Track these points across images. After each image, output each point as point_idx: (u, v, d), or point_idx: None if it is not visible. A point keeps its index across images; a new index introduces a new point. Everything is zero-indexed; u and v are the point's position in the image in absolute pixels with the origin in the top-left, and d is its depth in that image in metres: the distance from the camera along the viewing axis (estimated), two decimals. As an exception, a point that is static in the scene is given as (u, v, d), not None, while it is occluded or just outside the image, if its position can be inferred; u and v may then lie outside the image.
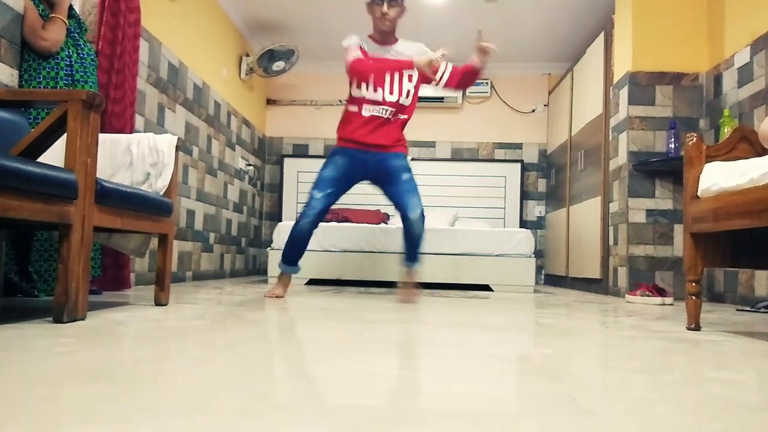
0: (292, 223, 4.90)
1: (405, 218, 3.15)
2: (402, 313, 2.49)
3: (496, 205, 6.48)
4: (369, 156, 3.17)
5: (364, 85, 3.12)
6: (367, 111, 3.14)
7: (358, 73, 3.06)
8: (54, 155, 2.08)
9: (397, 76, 3.15)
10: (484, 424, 0.83)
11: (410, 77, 3.18)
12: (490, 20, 5.43)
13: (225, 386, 1.00)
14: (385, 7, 3.12)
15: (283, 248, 3.26)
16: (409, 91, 3.19)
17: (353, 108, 3.19)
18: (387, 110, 3.15)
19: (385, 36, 3.23)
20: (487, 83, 6.51)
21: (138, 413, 0.82)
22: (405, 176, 3.17)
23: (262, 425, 0.79)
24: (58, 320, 1.73)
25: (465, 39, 5.86)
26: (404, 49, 3.23)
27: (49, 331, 1.58)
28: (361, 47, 3.13)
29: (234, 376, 1.09)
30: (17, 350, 1.27)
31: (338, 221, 5.35)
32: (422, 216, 3.16)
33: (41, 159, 1.95)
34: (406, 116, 3.23)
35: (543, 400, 0.98)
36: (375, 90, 3.13)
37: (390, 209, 6.09)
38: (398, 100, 3.15)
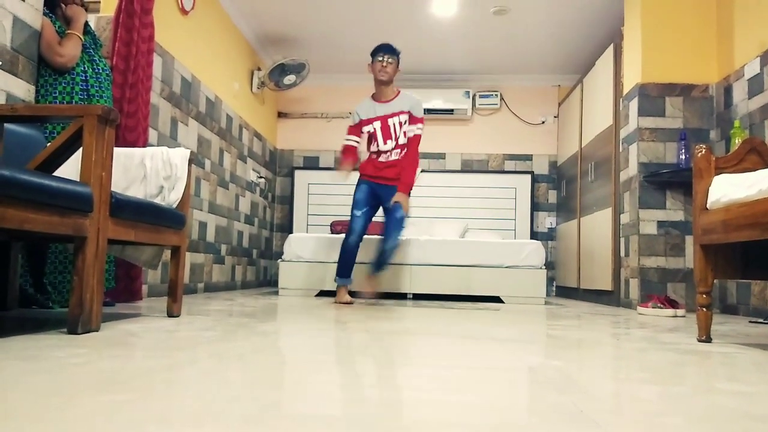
0: (303, 234, 4.96)
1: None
2: (411, 324, 2.50)
3: (507, 217, 6.48)
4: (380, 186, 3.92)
5: (374, 143, 3.90)
6: (384, 157, 3.90)
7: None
8: (70, 169, 2.12)
9: (394, 127, 3.86)
10: (491, 434, 0.83)
11: (401, 124, 3.86)
12: (499, 33, 5.46)
13: (236, 396, 1.01)
14: (384, 62, 3.83)
15: (336, 264, 3.90)
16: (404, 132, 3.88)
17: (373, 156, 3.94)
18: (396, 152, 3.88)
19: (383, 90, 3.90)
20: (496, 95, 6.54)
21: (150, 422, 0.84)
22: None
23: (272, 434, 0.80)
24: (72, 331, 1.75)
25: (474, 51, 5.91)
26: (400, 105, 3.87)
27: (64, 341, 1.60)
28: (358, 124, 3.91)
29: (245, 386, 1.10)
30: (33, 360, 1.30)
31: (348, 233, 5.37)
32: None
33: (57, 173, 1.98)
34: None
35: (550, 411, 0.99)
36: (385, 143, 3.86)
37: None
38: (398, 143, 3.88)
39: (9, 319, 2.19)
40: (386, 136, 3.84)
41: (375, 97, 3.94)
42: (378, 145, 3.86)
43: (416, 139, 3.83)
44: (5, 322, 2.07)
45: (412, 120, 3.82)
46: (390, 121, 3.83)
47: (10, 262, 2.41)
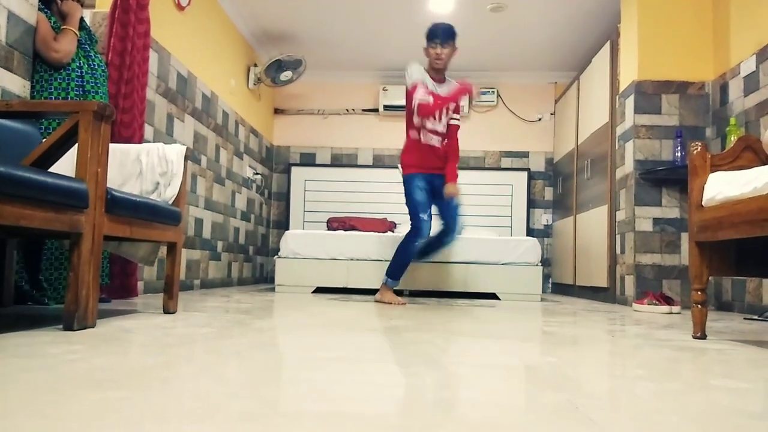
0: (300, 231, 4.95)
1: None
2: (408, 321, 2.50)
3: (503, 214, 6.49)
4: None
5: (429, 119, 3.65)
6: (427, 139, 3.68)
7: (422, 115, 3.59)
8: (65, 165, 2.12)
9: (445, 112, 3.68)
10: (487, 431, 0.84)
11: (448, 111, 3.69)
12: (496, 29, 5.46)
13: (232, 393, 1.02)
14: (439, 49, 3.61)
15: (391, 264, 3.72)
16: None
17: (414, 135, 3.70)
18: (439, 140, 3.70)
19: (437, 74, 3.69)
20: (493, 92, 6.54)
21: (146, 419, 0.84)
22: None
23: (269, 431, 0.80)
24: (68, 328, 1.75)
25: (471, 48, 5.90)
26: (449, 89, 3.69)
27: (59, 338, 1.60)
28: (426, 85, 3.59)
29: (241, 383, 1.10)
30: (28, 357, 1.30)
31: (345, 229, 5.38)
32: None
33: (53, 169, 1.98)
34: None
35: (546, 408, 0.99)
36: (436, 120, 3.66)
37: (396, 218, 6.11)
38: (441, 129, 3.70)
39: (4, 315, 2.18)
40: (438, 117, 3.65)
41: (431, 74, 3.68)
42: (429, 123, 3.62)
43: (457, 128, 3.73)
44: (1, 319, 2.06)
45: (456, 109, 3.71)
46: (444, 105, 3.63)
47: (6, 259, 2.40)
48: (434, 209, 3.74)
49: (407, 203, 3.68)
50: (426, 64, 3.70)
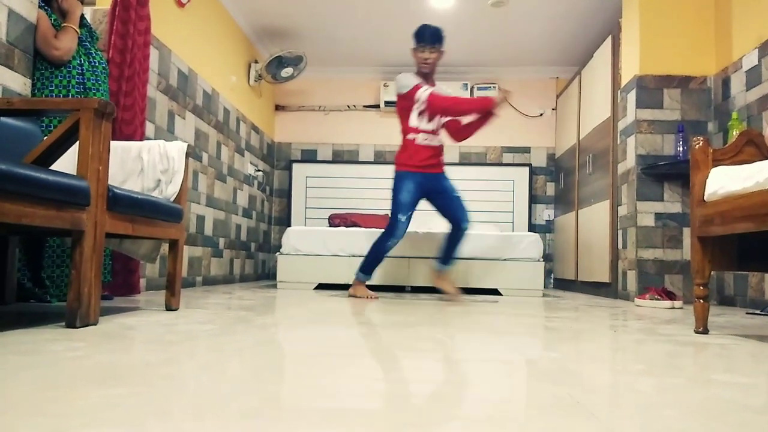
0: (301, 227, 4.96)
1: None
2: (410, 317, 2.51)
3: (505, 209, 6.48)
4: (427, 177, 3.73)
5: (421, 118, 3.67)
6: (422, 140, 3.68)
7: (441, 109, 3.59)
8: (66, 163, 2.12)
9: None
10: (488, 426, 0.84)
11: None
12: (496, 24, 5.45)
13: (235, 389, 1.02)
14: (426, 53, 3.63)
15: (364, 260, 3.75)
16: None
17: (411, 136, 3.69)
18: (434, 138, 3.72)
19: (425, 78, 3.70)
20: (495, 87, 6.52)
21: (149, 416, 0.84)
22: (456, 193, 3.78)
23: (271, 428, 0.80)
24: (70, 325, 1.76)
25: (471, 43, 5.89)
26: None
27: (62, 335, 1.60)
28: (416, 88, 3.61)
29: (243, 380, 1.11)
30: (31, 354, 1.30)
31: (347, 226, 5.38)
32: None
33: (54, 167, 1.98)
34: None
35: (547, 403, 0.99)
36: (429, 122, 3.68)
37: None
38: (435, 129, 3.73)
39: (7, 313, 2.19)
40: (430, 118, 3.67)
41: (420, 77, 3.72)
42: (422, 122, 3.65)
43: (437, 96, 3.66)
44: (3, 317, 2.07)
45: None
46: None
47: (8, 256, 2.41)
48: (427, 206, 3.80)
49: (392, 201, 3.69)
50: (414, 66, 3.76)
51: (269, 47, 6.11)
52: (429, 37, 3.62)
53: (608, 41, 4.81)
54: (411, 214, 3.67)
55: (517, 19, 5.32)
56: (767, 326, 2.53)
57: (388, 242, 3.67)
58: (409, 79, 3.63)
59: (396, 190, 3.66)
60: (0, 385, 1.00)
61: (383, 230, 3.73)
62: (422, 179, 3.67)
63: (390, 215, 3.69)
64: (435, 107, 3.57)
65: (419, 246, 4.75)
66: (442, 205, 3.75)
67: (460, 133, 3.82)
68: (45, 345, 1.43)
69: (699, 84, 4.23)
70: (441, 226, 5.53)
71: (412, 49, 3.71)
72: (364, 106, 6.70)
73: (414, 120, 3.66)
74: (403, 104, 3.68)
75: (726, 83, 4.06)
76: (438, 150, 3.75)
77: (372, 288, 4.79)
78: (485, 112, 3.61)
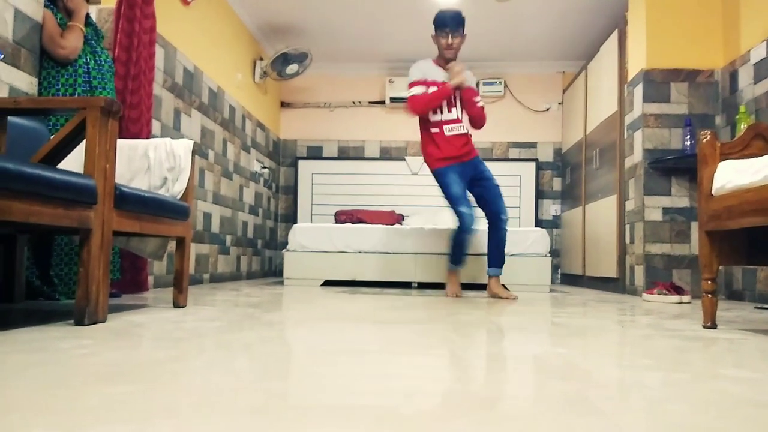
0: (308, 224, 4.97)
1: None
2: (417, 314, 2.51)
3: (511, 205, 6.45)
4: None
5: (438, 111, 3.61)
6: (450, 131, 3.62)
7: (414, 111, 3.59)
8: (73, 161, 2.13)
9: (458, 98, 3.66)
10: (495, 422, 0.84)
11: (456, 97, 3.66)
12: (502, 19, 5.43)
13: (242, 386, 1.02)
14: (449, 39, 3.58)
15: (450, 252, 3.71)
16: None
17: (435, 130, 3.63)
18: (461, 126, 3.66)
19: (448, 63, 3.63)
20: (500, 82, 6.50)
21: (157, 413, 0.84)
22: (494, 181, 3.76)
23: (279, 425, 0.81)
24: (79, 323, 1.77)
25: (477, 38, 5.87)
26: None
27: (70, 333, 1.61)
28: (425, 80, 3.58)
29: (251, 377, 1.11)
30: (40, 352, 1.31)
31: (353, 222, 5.38)
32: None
33: (61, 165, 1.99)
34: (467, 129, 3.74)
35: (555, 399, 0.99)
36: (449, 111, 3.62)
37: (404, 210, 6.11)
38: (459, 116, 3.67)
39: (16, 311, 2.20)
40: (450, 104, 3.61)
41: (439, 63, 3.68)
42: (442, 114, 3.60)
43: (482, 108, 3.73)
44: (12, 315, 2.08)
45: (470, 93, 3.68)
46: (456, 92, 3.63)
47: (17, 255, 2.42)
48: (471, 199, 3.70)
49: (446, 198, 3.64)
50: (435, 53, 3.70)
51: (274, 44, 6.10)
52: (451, 20, 3.57)
53: (614, 35, 4.78)
54: (469, 203, 3.60)
55: (522, 13, 5.29)
56: (776, 321, 2.52)
57: (462, 236, 3.60)
58: (414, 70, 3.60)
59: (443, 187, 3.61)
60: (9, 382, 1.01)
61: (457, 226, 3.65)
62: (460, 169, 3.61)
63: (454, 211, 3.61)
64: (410, 111, 3.60)
65: (425, 242, 4.75)
66: (480, 194, 3.69)
67: (470, 118, 3.74)
68: (54, 342, 1.44)
69: (706, 77, 4.20)
70: (448, 221, 5.53)
71: (433, 35, 3.65)
72: (370, 103, 6.70)
73: (435, 114, 3.61)
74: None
75: (734, 76, 4.03)
76: (468, 137, 3.68)
77: (378, 285, 4.80)
78: (450, 95, 3.58)
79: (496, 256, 3.71)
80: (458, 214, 3.56)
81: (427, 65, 3.65)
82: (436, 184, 3.68)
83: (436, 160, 3.62)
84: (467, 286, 4.80)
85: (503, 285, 4.66)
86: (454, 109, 3.62)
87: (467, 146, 3.67)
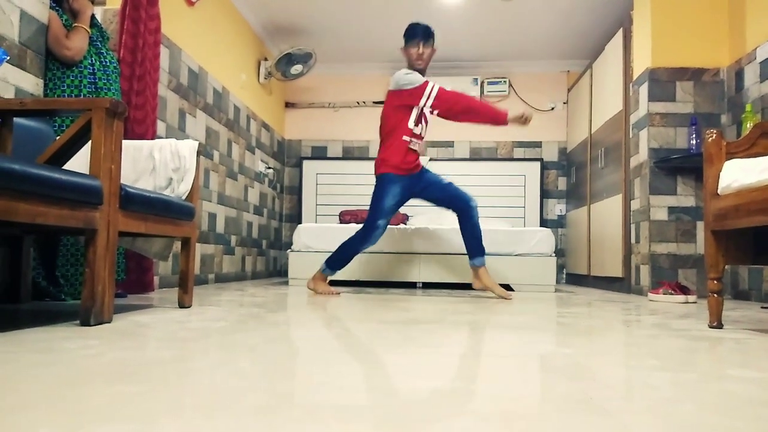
0: (312, 224, 4.97)
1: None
2: (422, 313, 2.51)
3: (516, 204, 6.46)
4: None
5: (420, 123, 3.57)
6: (413, 144, 3.59)
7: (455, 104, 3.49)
8: (79, 162, 2.13)
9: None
10: (500, 422, 0.84)
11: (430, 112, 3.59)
12: (506, 18, 5.42)
13: (247, 386, 1.02)
14: (420, 48, 3.55)
15: (333, 256, 3.63)
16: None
17: (406, 139, 3.57)
18: (420, 144, 3.65)
19: (419, 73, 3.58)
20: (505, 82, 6.49)
21: (162, 413, 0.85)
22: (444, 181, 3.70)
23: (284, 425, 0.81)
24: (85, 323, 1.77)
25: (481, 37, 5.86)
26: None
27: (76, 333, 1.62)
28: (422, 86, 3.50)
29: (256, 377, 1.11)
30: (46, 352, 1.31)
31: (358, 222, 5.37)
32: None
33: (67, 166, 2.00)
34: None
35: (561, 399, 0.99)
36: (418, 125, 3.57)
37: (409, 210, 6.11)
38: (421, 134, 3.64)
39: (22, 311, 2.21)
40: (423, 118, 3.56)
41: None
42: (419, 126, 3.55)
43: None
44: (19, 315, 2.09)
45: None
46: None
47: (23, 256, 2.43)
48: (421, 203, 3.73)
49: (372, 204, 3.55)
50: (405, 65, 3.61)
51: (279, 44, 6.11)
52: (421, 32, 3.56)
53: (619, 34, 4.77)
54: (388, 221, 3.55)
55: (527, 12, 5.28)
56: (783, 320, 2.50)
57: (362, 246, 3.56)
58: (416, 75, 3.50)
59: (380, 195, 3.52)
60: (16, 382, 1.02)
61: (358, 231, 3.58)
62: (409, 182, 3.57)
63: (367, 219, 3.53)
64: (442, 101, 3.45)
65: (430, 242, 4.75)
66: (438, 196, 3.64)
67: (462, 119, 3.60)
68: (60, 343, 1.45)
69: (712, 76, 4.19)
70: (452, 221, 5.53)
71: (403, 48, 3.61)
72: (374, 102, 6.69)
73: (412, 122, 3.53)
74: (403, 101, 3.51)
75: (739, 75, 4.01)
76: (418, 154, 3.65)
77: (384, 284, 4.80)
78: (493, 124, 3.54)
79: (476, 245, 3.61)
80: (373, 226, 3.50)
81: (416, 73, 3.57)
82: (374, 185, 3.59)
83: (392, 166, 3.54)
84: (467, 286, 4.80)
85: (507, 286, 4.67)
86: (421, 125, 3.57)
87: (417, 161, 3.63)
